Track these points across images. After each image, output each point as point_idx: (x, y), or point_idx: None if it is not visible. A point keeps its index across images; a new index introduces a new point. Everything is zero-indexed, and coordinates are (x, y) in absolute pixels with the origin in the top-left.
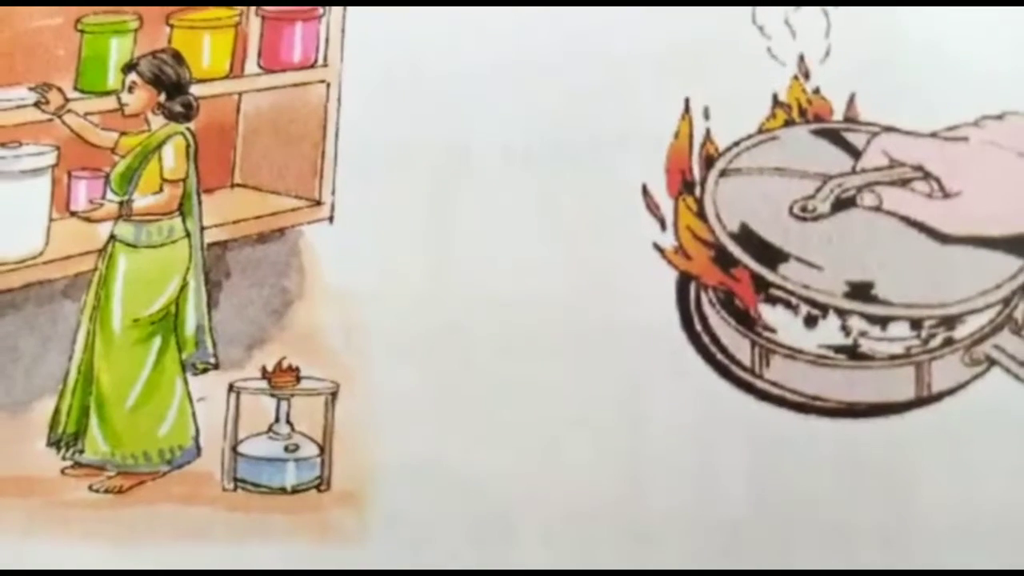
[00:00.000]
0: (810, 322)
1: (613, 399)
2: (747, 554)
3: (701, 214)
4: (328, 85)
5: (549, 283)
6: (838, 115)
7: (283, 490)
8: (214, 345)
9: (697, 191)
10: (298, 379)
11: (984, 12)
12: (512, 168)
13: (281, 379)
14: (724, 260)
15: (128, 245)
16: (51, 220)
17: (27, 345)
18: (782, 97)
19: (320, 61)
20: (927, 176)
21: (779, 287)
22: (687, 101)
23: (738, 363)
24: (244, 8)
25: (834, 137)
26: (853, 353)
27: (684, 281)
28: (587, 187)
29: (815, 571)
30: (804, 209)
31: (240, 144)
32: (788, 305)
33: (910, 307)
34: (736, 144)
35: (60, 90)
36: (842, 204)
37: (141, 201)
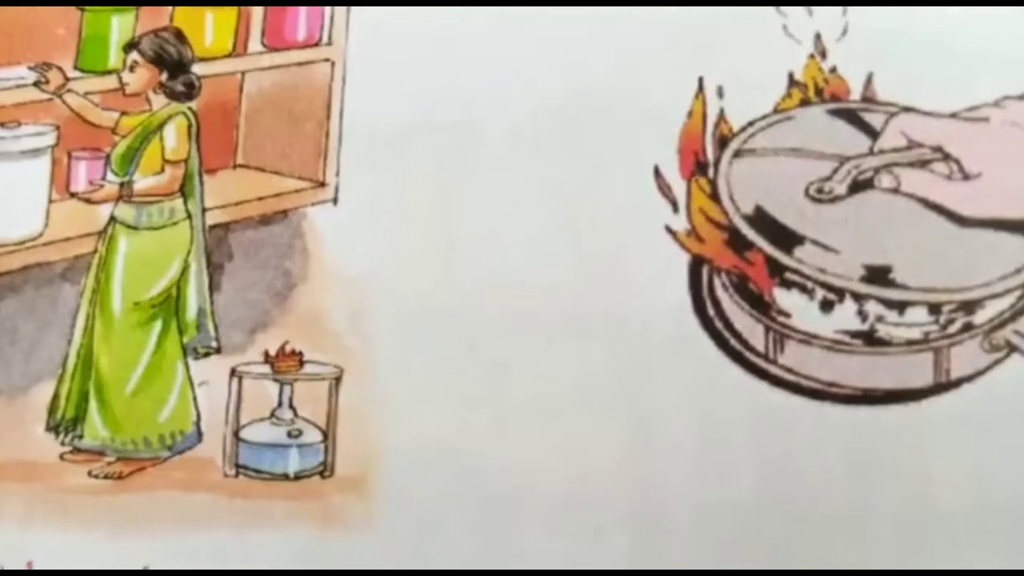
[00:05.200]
0: (826, 307)
1: (623, 384)
2: (759, 542)
3: (715, 196)
4: (333, 64)
5: (558, 266)
6: (855, 95)
7: (286, 476)
8: (216, 329)
9: (711, 172)
10: (301, 364)
11: None
12: (520, 148)
13: (284, 364)
14: (738, 243)
15: (129, 227)
16: (51, 201)
17: (26, 328)
18: (798, 76)
19: (325, 40)
20: (947, 157)
21: (794, 271)
22: (701, 80)
23: (751, 348)
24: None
25: (851, 117)
26: (870, 339)
27: (697, 264)
28: (598, 168)
29: (828, 571)
30: (820, 191)
31: (243, 124)
32: (803, 289)
33: (928, 292)
34: (751, 124)
35: (60, 69)
36: (859, 186)
37: (142, 182)
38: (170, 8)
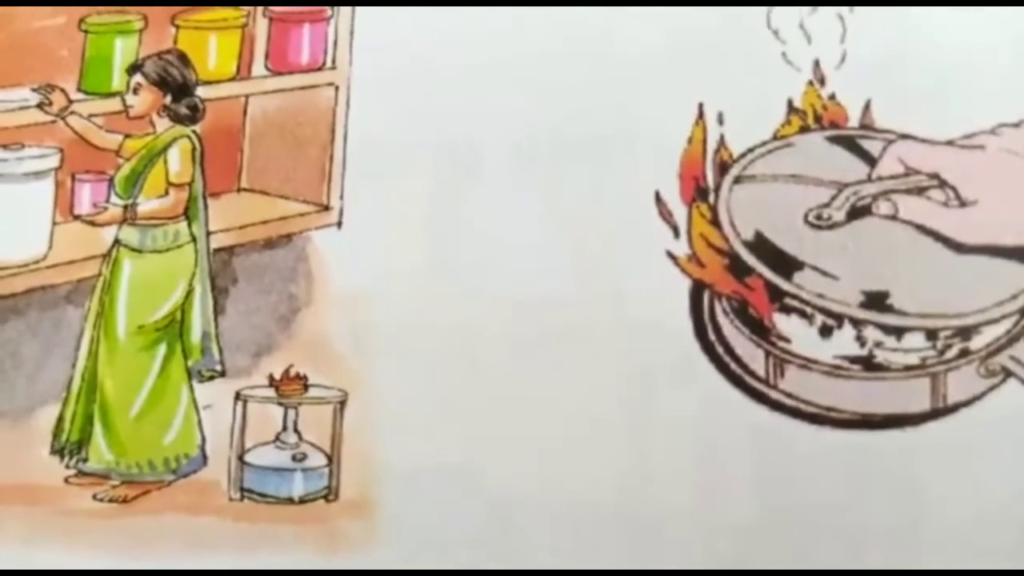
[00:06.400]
0: (825, 332)
1: (623, 407)
2: (758, 563)
3: (715, 221)
4: (336, 88)
5: (560, 290)
6: (854, 122)
7: (290, 500)
8: (220, 352)
9: (711, 198)
10: (306, 387)
11: (1002, 18)
12: (523, 173)
13: (288, 387)
14: (738, 268)
15: (133, 250)
16: (54, 224)
17: (30, 351)
18: (797, 103)
19: (328, 63)
20: (943, 184)
21: (794, 296)
22: (701, 106)
23: (752, 373)
24: (251, 8)
25: (849, 144)
26: (868, 364)
27: (697, 289)
28: (599, 193)
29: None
30: (819, 217)
31: (247, 147)
32: (803, 315)
33: (926, 317)
34: (751, 150)
35: (63, 91)
36: (857, 212)
37: (146, 205)
38: (174, 31)
